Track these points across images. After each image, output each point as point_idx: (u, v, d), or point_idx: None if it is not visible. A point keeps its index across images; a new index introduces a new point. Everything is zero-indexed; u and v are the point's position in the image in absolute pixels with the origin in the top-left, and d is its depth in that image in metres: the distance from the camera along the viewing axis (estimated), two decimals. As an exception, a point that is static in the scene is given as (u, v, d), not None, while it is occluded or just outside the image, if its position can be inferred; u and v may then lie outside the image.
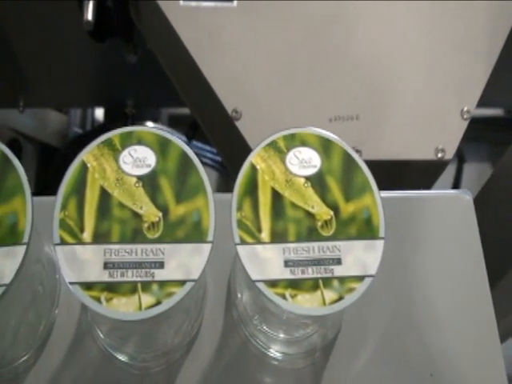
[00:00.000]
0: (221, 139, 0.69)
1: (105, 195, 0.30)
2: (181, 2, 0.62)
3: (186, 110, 1.13)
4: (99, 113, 1.15)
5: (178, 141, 0.32)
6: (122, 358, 0.35)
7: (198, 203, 0.30)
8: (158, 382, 0.35)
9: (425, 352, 0.36)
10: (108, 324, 0.35)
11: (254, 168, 0.32)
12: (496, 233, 0.56)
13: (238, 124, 0.59)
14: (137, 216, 0.30)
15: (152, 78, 0.91)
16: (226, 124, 0.61)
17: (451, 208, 0.41)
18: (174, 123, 1.10)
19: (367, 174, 0.32)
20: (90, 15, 0.70)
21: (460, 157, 1.15)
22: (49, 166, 1.04)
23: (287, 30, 0.61)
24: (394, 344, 0.37)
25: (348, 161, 0.32)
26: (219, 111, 0.60)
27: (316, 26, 0.62)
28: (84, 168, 0.31)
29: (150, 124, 1.05)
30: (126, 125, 1.01)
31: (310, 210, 0.31)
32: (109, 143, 0.32)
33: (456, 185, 1.17)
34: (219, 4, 0.63)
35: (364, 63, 0.61)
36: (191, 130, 0.89)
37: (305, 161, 0.32)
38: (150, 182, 0.31)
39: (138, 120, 1.02)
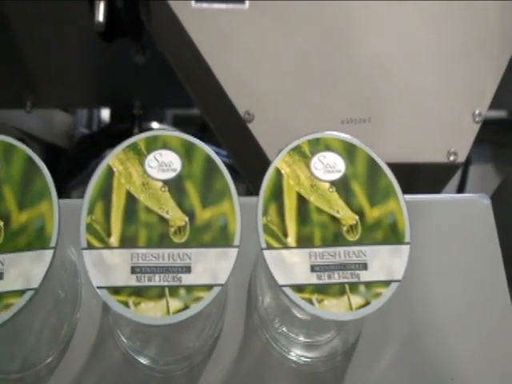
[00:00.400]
0: (232, 141, 0.69)
1: (131, 199, 0.30)
2: (193, 4, 0.62)
3: (190, 111, 1.14)
4: (105, 113, 1.15)
5: (203, 145, 0.32)
6: (143, 361, 0.35)
7: (224, 207, 0.30)
8: (180, 385, 0.36)
9: (445, 356, 0.37)
10: (130, 327, 0.35)
11: (278, 173, 0.32)
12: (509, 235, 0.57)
13: (251, 126, 0.59)
14: (163, 220, 0.30)
15: (159, 79, 0.91)
16: (238, 126, 0.61)
17: (469, 212, 0.41)
18: (179, 124, 1.10)
19: (391, 179, 0.32)
20: (101, 16, 0.70)
21: (466, 159, 1.14)
22: (55, 167, 1.04)
23: (299, 32, 0.61)
24: (415, 348, 0.37)
25: (372, 165, 0.32)
26: (231, 113, 0.60)
27: (328, 27, 0.62)
28: (110, 172, 0.31)
29: (155, 125, 1.05)
30: (132, 126, 1.01)
31: (336, 214, 0.31)
32: (134, 147, 0.32)
33: (461, 187, 1.17)
34: (231, 6, 0.63)
35: (376, 65, 0.61)
36: (200, 132, 0.89)
37: (329, 165, 0.32)
38: (175, 187, 0.31)
39: (144, 121, 1.02)
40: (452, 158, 0.60)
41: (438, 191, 0.68)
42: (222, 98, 0.61)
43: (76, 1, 0.78)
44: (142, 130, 1.01)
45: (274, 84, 0.60)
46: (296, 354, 0.36)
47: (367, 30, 0.62)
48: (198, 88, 0.69)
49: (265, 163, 0.58)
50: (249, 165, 0.67)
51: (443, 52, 0.62)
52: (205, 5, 0.63)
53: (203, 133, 0.88)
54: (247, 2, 0.63)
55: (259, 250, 0.36)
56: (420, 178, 0.63)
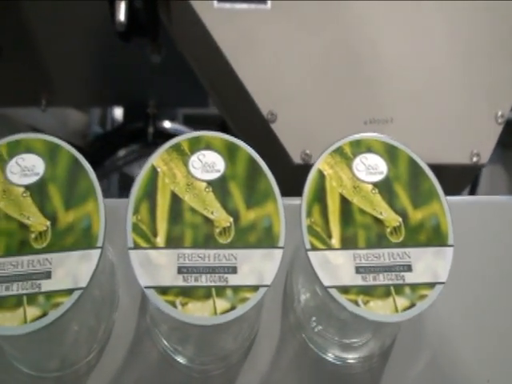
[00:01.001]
0: (254, 141, 0.68)
1: (176, 200, 0.30)
2: (215, 4, 0.62)
3: (200, 110, 1.14)
4: (118, 112, 1.15)
5: (246, 146, 0.32)
6: (181, 360, 0.35)
7: (269, 208, 0.31)
8: (217, 385, 0.36)
9: (481, 358, 0.37)
10: (168, 326, 0.35)
11: (321, 174, 0.32)
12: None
13: (274, 126, 0.59)
14: (208, 221, 0.30)
15: (173, 78, 0.92)
16: (260, 126, 0.61)
17: (503, 214, 0.41)
18: (189, 123, 1.10)
19: (433, 181, 0.32)
20: (122, 16, 0.70)
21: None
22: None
23: (321, 32, 0.61)
24: (451, 350, 0.37)
25: (414, 167, 0.33)
26: (254, 113, 0.60)
27: (351, 27, 0.62)
28: (154, 172, 0.31)
29: (167, 124, 1.05)
30: (147, 124, 1.01)
31: (379, 216, 0.31)
32: (177, 148, 0.32)
33: (473, 189, 1.17)
34: (253, 6, 0.63)
35: (398, 66, 0.61)
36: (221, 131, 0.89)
37: (371, 167, 0.32)
38: (220, 188, 0.31)
39: (157, 120, 1.02)
40: (475, 160, 0.60)
41: (458, 193, 0.68)
42: (244, 98, 0.61)
43: (92, 0, 0.79)
44: (156, 130, 1.01)
45: (297, 84, 0.60)
46: (333, 354, 0.36)
47: (390, 30, 0.62)
48: (219, 88, 0.69)
49: (287, 163, 0.58)
50: (271, 165, 0.67)
51: (466, 53, 0.62)
52: (227, 5, 0.63)
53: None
54: (269, 2, 0.63)
55: (294, 251, 0.37)
56: (442, 179, 0.63)
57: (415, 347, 0.37)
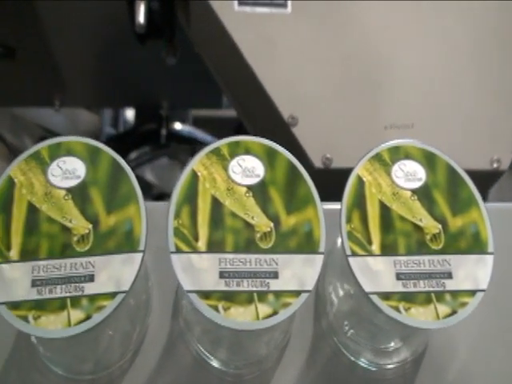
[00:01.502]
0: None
1: (217, 204, 0.30)
2: (235, 7, 0.62)
3: (210, 113, 1.14)
4: (130, 113, 1.15)
5: (285, 151, 0.32)
6: (215, 364, 0.35)
7: (309, 214, 0.31)
8: (251, 389, 0.36)
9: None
10: (201, 330, 0.35)
11: (360, 180, 0.32)
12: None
13: (295, 130, 0.59)
14: (249, 226, 0.30)
15: (187, 80, 0.92)
16: (280, 130, 0.61)
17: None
18: (199, 125, 1.10)
19: (472, 188, 0.32)
20: (141, 17, 0.71)
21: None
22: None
23: (342, 36, 0.62)
24: (484, 356, 0.37)
25: (452, 174, 0.33)
26: (274, 117, 0.60)
27: (372, 32, 0.62)
28: (195, 177, 0.31)
29: (178, 125, 1.05)
30: (160, 125, 1.01)
31: (419, 223, 0.31)
32: (217, 152, 0.32)
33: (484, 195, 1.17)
34: (273, 9, 0.63)
35: (420, 71, 0.61)
36: (236, 135, 0.90)
37: (410, 174, 0.32)
38: (260, 193, 0.31)
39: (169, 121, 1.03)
40: (495, 166, 0.60)
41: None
42: (264, 101, 0.61)
43: (105, 1, 0.79)
44: (169, 131, 1.02)
45: (318, 88, 0.60)
46: (365, 359, 0.36)
47: (410, 36, 0.62)
48: (238, 91, 0.69)
49: (308, 167, 0.58)
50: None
51: (487, 59, 0.62)
52: (247, 8, 0.63)
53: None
54: (289, 6, 0.63)
55: (326, 255, 0.37)
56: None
57: (448, 354, 0.37)
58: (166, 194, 1.02)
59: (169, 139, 1.02)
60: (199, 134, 1.05)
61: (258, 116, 0.68)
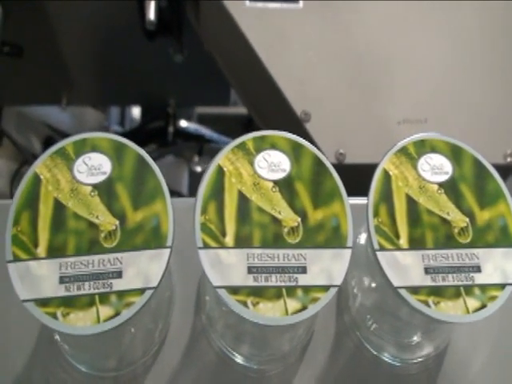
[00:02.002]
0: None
1: (243, 200, 0.30)
2: (247, 3, 0.62)
3: (215, 110, 1.14)
4: (136, 111, 1.15)
5: (311, 146, 0.32)
6: (238, 360, 0.35)
7: (336, 208, 0.30)
8: (274, 385, 0.36)
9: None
10: (225, 326, 0.35)
11: (387, 174, 0.32)
12: None
13: (308, 126, 0.59)
14: (276, 221, 0.30)
15: (193, 77, 0.92)
16: (293, 126, 0.61)
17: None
18: (203, 123, 1.10)
19: (499, 181, 0.32)
20: (152, 15, 0.70)
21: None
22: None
23: (354, 31, 0.61)
24: (508, 350, 0.37)
25: (479, 167, 0.32)
26: (287, 113, 0.60)
27: (384, 27, 0.62)
28: (221, 172, 0.31)
29: (184, 123, 1.05)
30: (167, 124, 1.01)
31: (446, 216, 0.31)
32: (243, 147, 0.32)
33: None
34: (285, 5, 0.63)
35: (432, 66, 0.61)
36: (246, 131, 0.89)
37: (436, 167, 0.32)
38: (286, 187, 0.31)
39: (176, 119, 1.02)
40: (509, 160, 0.60)
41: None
42: (277, 97, 0.61)
43: (112, 0, 0.79)
44: (176, 129, 1.01)
45: (331, 83, 0.60)
46: (389, 354, 0.36)
47: (423, 30, 0.62)
48: (249, 88, 0.69)
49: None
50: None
51: (500, 52, 0.62)
52: (259, 4, 0.63)
53: (248, 132, 0.88)
54: (301, 2, 0.62)
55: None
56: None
57: (470, 349, 0.37)
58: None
59: (176, 137, 1.01)
60: (206, 131, 1.05)
61: (270, 112, 0.68)
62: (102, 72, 0.93)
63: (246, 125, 0.91)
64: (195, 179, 1.01)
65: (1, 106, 0.89)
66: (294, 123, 0.60)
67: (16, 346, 0.34)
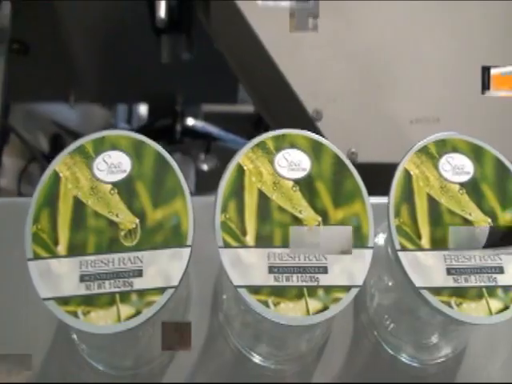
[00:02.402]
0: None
1: (264, 199, 0.30)
2: (259, 3, 0.62)
3: (221, 108, 1.13)
4: (143, 109, 1.15)
5: (331, 145, 0.32)
6: (255, 359, 0.35)
7: (356, 208, 0.30)
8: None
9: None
10: (241, 323, 0.35)
11: (408, 174, 0.31)
12: None
13: (319, 125, 0.59)
14: (297, 220, 0.30)
15: (200, 75, 0.91)
16: (304, 124, 0.60)
17: None
18: (209, 120, 1.10)
19: (521, 182, 0.32)
20: (162, 13, 0.70)
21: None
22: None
23: (366, 30, 0.61)
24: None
25: (501, 167, 0.32)
26: (299, 112, 0.60)
27: (397, 27, 0.61)
28: (240, 171, 0.30)
29: (191, 121, 1.05)
30: (175, 122, 1.00)
31: (468, 217, 0.31)
32: (262, 146, 0.31)
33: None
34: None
35: (445, 65, 0.61)
36: (255, 130, 0.89)
37: (458, 167, 0.32)
38: (306, 187, 0.30)
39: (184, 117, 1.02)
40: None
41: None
42: (288, 96, 0.60)
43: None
44: (183, 127, 1.01)
45: (343, 82, 0.60)
46: (406, 355, 0.36)
47: (435, 29, 0.61)
48: (260, 86, 0.69)
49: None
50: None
51: (511, 51, 0.61)
52: (271, 3, 0.62)
53: (258, 131, 0.88)
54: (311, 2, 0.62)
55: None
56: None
57: (488, 352, 0.37)
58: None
59: (183, 135, 1.01)
60: (214, 129, 1.05)
61: (281, 111, 0.67)
62: (109, 70, 0.92)
63: (256, 123, 0.90)
64: (202, 177, 1.01)
65: (8, 104, 0.89)
66: (305, 122, 0.60)
67: (33, 345, 0.34)
